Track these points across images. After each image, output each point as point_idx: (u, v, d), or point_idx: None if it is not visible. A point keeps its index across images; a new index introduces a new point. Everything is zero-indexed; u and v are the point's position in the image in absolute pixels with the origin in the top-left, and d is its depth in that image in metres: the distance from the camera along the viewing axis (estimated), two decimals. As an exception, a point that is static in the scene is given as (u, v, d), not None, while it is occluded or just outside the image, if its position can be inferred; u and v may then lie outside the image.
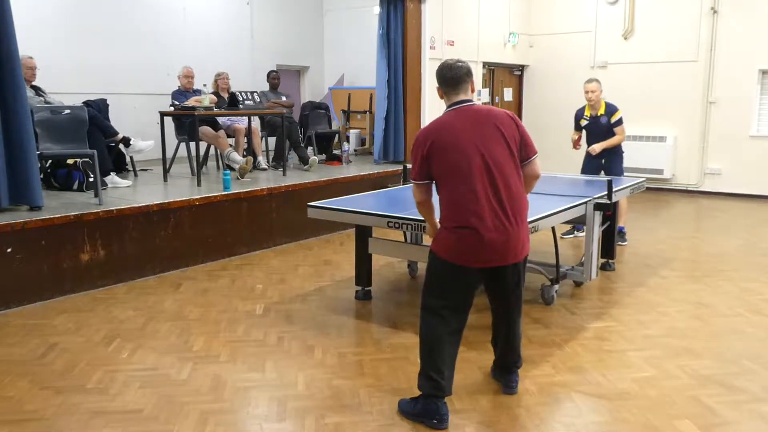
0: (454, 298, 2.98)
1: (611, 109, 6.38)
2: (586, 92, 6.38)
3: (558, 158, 10.55)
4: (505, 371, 3.30)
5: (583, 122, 6.56)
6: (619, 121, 6.36)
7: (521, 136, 2.96)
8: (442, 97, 3.04)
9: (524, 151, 2.97)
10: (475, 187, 2.83)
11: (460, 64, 3.01)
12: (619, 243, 6.45)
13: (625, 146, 6.64)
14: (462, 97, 2.98)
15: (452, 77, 2.97)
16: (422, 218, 3.28)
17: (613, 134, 6.39)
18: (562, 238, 6.08)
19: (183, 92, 7.58)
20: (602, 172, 6.49)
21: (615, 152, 6.47)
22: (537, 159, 3.02)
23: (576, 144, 6.68)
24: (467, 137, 2.87)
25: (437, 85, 3.06)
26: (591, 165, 6.56)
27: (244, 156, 7.42)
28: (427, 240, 5.15)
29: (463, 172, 2.84)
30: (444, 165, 2.89)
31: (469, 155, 2.84)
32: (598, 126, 6.43)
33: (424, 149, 2.91)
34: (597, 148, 6.37)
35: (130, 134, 6.71)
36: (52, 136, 5.80)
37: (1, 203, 4.84)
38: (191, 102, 7.10)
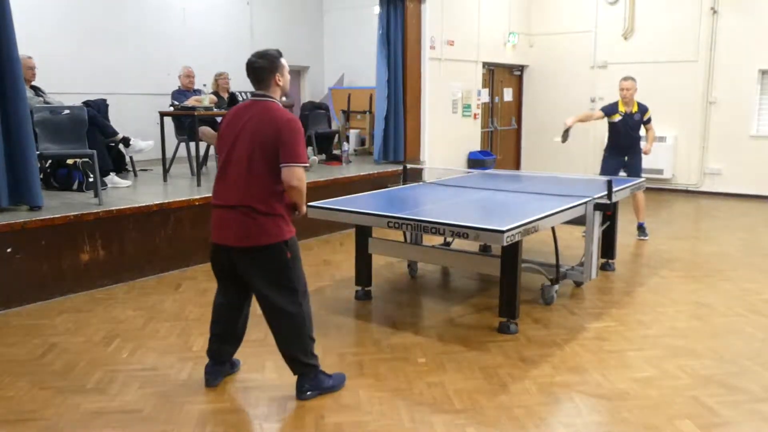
0: None
1: (643, 108, 6.65)
2: (622, 89, 6.60)
3: (558, 158, 10.58)
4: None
5: (617, 117, 6.67)
6: (650, 119, 6.68)
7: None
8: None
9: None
10: None
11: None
12: (641, 238, 6.71)
13: (625, 146, 6.71)
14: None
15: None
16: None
17: (637, 131, 6.66)
18: (583, 236, 6.17)
19: (183, 92, 7.59)
20: (622, 171, 6.65)
21: (638, 152, 6.69)
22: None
23: (565, 133, 6.53)
24: None
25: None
26: (612, 164, 6.70)
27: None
28: (429, 240, 5.16)
29: None
30: None
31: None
32: (631, 122, 6.65)
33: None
34: (649, 148, 6.61)
35: (130, 134, 6.71)
36: (52, 136, 5.80)
37: (1, 203, 4.84)
38: (191, 102, 7.10)
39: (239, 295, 3.32)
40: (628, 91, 6.54)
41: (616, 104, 6.70)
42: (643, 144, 6.71)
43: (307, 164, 3.11)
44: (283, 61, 3.19)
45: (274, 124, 3.00)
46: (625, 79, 6.62)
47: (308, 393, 3.19)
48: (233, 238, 3.07)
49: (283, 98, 9.14)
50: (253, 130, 3.02)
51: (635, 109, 6.61)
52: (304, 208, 3.16)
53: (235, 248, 3.08)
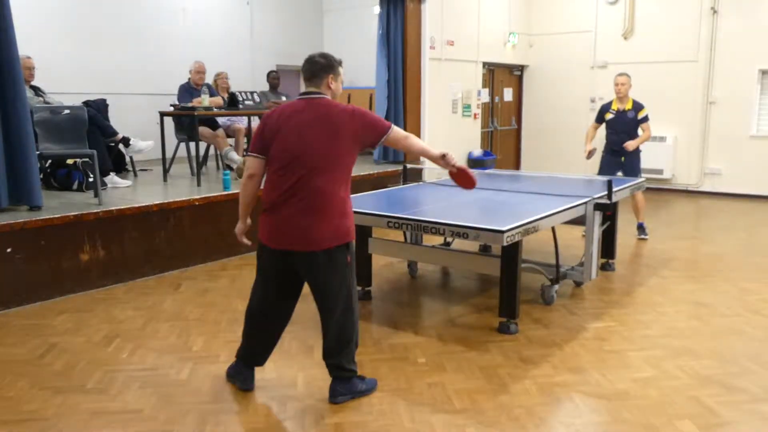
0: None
1: (638, 106, 6.63)
2: (616, 84, 6.64)
3: (558, 158, 10.58)
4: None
5: (609, 116, 6.72)
6: (646, 118, 6.62)
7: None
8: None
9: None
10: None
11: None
12: (641, 237, 6.73)
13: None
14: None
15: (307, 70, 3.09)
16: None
17: (633, 129, 6.62)
18: (583, 235, 6.21)
19: (189, 90, 7.47)
20: (620, 171, 6.63)
21: (635, 151, 6.65)
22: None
23: (590, 154, 6.78)
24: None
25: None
26: (610, 164, 6.71)
27: (243, 156, 7.42)
28: (429, 240, 5.16)
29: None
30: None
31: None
32: (624, 120, 6.64)
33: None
34: (632, 144, 6.53)
35: (130, 134, 6.71)
36: (52, 136, 5.80)
37: (1, 203, 4.84)
38: (195, 103, 7.06)
39: (292, 298, 3.25)
40: (623, 86, 6.58)
41: (609, 103, 6.78)
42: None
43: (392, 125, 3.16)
44: (341, 69, 3.15)
45: (346, 113, 3.00)
46: (620, 74, 6.68)
47: (340, 397, 3.14)
48: (299, 243, 2.99)
49: (283, 98, 9.12)
50: (322, 128, 2.97)
51: (629, 106, 6.61)
52: (435, 151, 3.21)
53: (298, 252, 3.02)
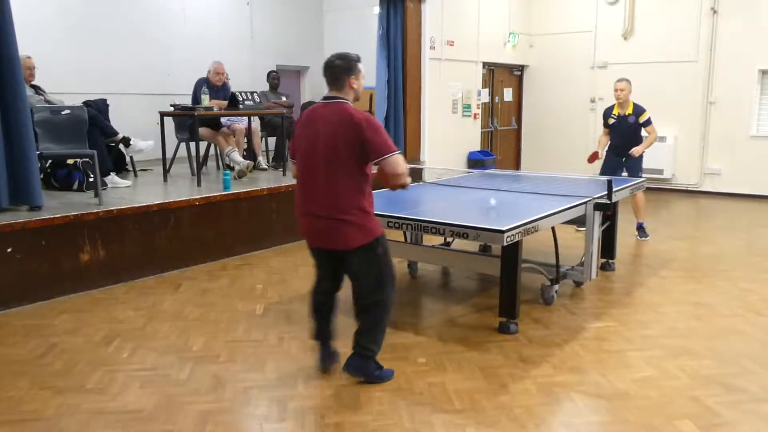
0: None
1: (639, 110, 6.64)
2: (616, 90, 6.67)
3: (557, 158, 10.59)
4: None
5: (611, 120, 6.75)
6: (649, 121, 6.64)
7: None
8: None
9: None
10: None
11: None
12: (641, 239, 6.74)
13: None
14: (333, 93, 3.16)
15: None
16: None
17: (637, 133, 6.65)
18: (576, 230, 6.23)
19: (209, 85, 7.33)
20: (622, 171, 6.65)
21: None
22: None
23: (594, 158, 6.82)
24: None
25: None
26: (612, 164, 6.74)
27: (243, 156, 7.42)
28: (429, 240, 5.16)
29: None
30: None
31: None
32: (625, 125, 6.66)
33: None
34: (637, 150, 6.55)
35: (130, 134, 6.70)
36: (52, 136, 5.80)
37: (1, 203, 4.84)
38: (213, 103, 7.02)
39: (338, 282, 3.44)
40: (622, 91, 6.60)
41: (611, 107, 6.81)
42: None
43: (399, 151, 3.17)
44: (360, 66, 3.24)
45: (353, 124, 3.05)
46: (619, 80, 6.69)
47: (354, 370, 3.30)
48: (329, 243, 3.20)
49: (283, 98, 9.09)
50: (331, 134, 3.07)
51: (630, 111, 6.62)
52: (408, 181, 3.19)
53: (332, 250, 3.23)
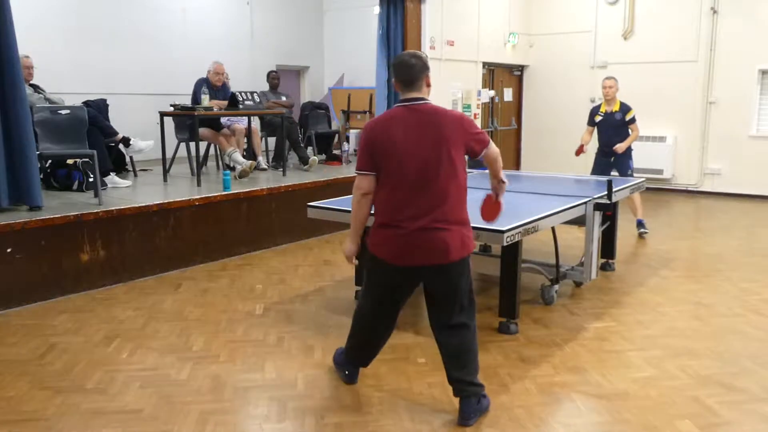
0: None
1: (625, 107, 6.79)
2: (603, 87, 6.87)
3: (557, 158, 10.58)
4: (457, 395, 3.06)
5: (598, 118, 6.91)
6: (633, 119, 6.78)
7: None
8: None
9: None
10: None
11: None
12: (641, 232, 6.86)
13: (626, 146, 6.74)
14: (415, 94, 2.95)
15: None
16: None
17: (623, 130, 6.77)
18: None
19: (209, 85, 7.34)
20: (611, 171, 6.75)
21: (625, 151, 6.78)
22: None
23: (579, 151, 6.96)
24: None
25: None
26: (602, 164, 6.88)
27: (243, 156, 7.41)
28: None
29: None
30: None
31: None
32: (612, 122, 6.81)
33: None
34: (621, 147, 6.68)
35: (130, 134, 6.71)
36: (52, 136, 5.80)
37: (1, 203, 4.84)
38: (212, 104, 7.02)
39: (398, 309, 3.20)
40: (610, 89, 6.79)
41: (598, 106, 6.98)
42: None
43: None
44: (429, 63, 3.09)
45: (457, 120, 2.95)
46: (607, 78, 6.92)
47: (472, 419, 2.96)
48: (432, 257, 2.90)
49: (283, 98, 9.09)
50: (437, 137, 2.87)
51: (617, 108, 6.78)
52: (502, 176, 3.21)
53: (428, 266, 2.92)
